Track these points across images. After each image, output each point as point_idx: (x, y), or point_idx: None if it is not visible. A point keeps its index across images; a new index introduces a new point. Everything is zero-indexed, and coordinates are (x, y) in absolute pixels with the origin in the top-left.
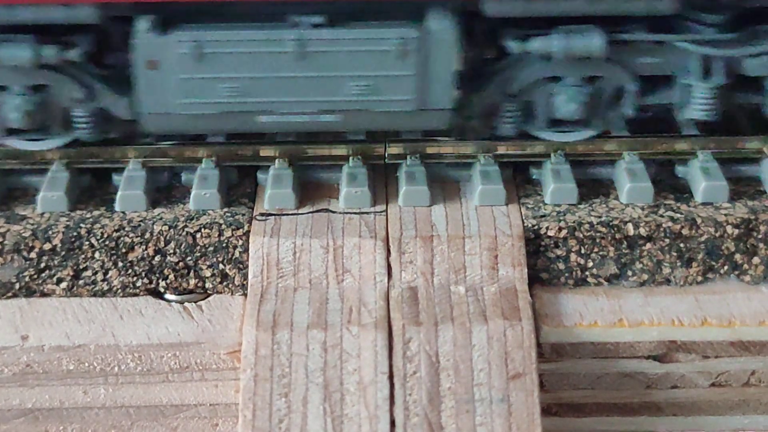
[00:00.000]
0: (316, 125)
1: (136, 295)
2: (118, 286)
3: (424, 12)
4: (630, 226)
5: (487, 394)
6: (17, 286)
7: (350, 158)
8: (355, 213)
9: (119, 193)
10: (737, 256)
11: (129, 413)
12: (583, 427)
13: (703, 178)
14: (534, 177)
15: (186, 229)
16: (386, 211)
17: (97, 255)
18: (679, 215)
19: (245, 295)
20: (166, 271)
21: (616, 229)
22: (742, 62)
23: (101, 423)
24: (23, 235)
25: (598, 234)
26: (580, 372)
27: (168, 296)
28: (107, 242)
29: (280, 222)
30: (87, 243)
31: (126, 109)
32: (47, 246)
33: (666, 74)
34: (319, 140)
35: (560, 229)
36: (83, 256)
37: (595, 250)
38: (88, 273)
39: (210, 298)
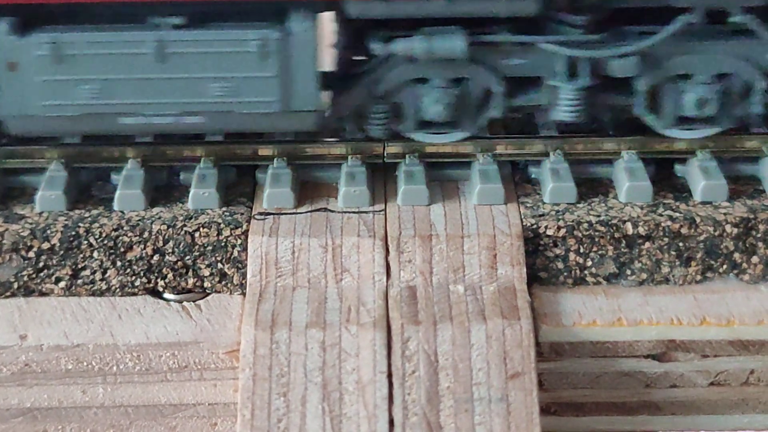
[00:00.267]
0: (180, 127)
1: (134, 294)
2: (117, 286)
3: (285, 13)
4: (629, 225)
5: (486, 394)
6: (16, 285)
7: (349, 157)
8: (353, 212)
9: (118, 192)
10: (736, 255)
11: (127, 413)
12: (582, 427)
13: (702, 177)
14: (533, 176)
15: (184, 229)
16: (385, 210)
17: (95, 254)
18: (678, 214)
19: (244, 294)
20: (164, 271)
21: (615, 228)
22: (607, 63)
23: (100, 422)
24: (22, 234)
25: (597, 233)
26: (579, 371)
27: (166, 295)
28: (106, 241)
29: (279, 221)
30: (85, 242)
31: None
32: (46, 245)
33: (533, 76)
34: (319, 139)
35: (559, 228)
36: (82, 255)
37: (594, 249)
38: (87, 272)
39: (208, 298)
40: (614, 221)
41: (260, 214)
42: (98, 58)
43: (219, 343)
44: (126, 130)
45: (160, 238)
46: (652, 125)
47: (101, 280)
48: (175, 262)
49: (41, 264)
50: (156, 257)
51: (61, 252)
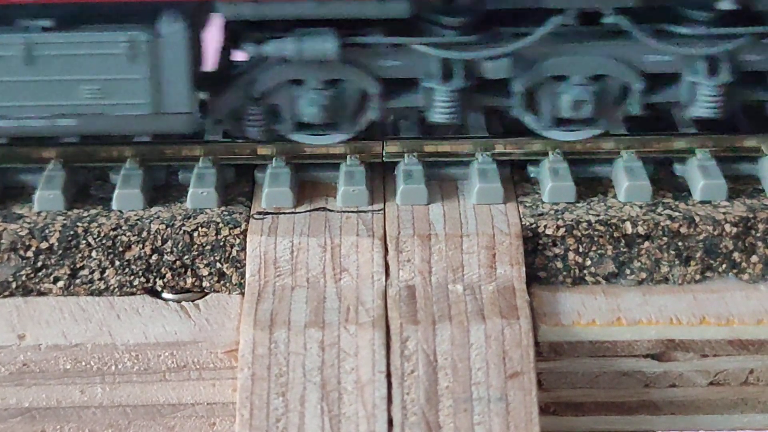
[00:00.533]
0: (53, 130)
1: (133, 294)
2: (115, 285)
3: (156, 15)
4: (628, 224)
5: (485, 393)
6: (14, 285)
7: (348, 157)
8: (352, 212)
9: (116, 191)
10: (735, 255)
11: (126, 412)
12: (582, 426)
13: (702, 177)
14: (532, 175)
15: (183, 228)
16: (384, 209)
17: (94, 254)
18: (677, 213)
19: (242, 294)
20: (163, 270)
21: (614, 227)
22: (480, 65)
23: (98, 422)
24: (20, 233)
25: (596, 232)
26: (578, 371)
27: (165, 295)
28: (104, 241)
29: (278, 221)
30: (84, 242)
31: None
32: (44, 245)
33: (409, 77)
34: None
35: (558, 227)
36: (80, 254)
37: (593, 248)
38: (85, 272)
39: (207, 297)
40: (613, 220)
41: (259, 213)
42: None
43: (217, 343)
44: None
45: (159, 237)
46: (532, 126)
47: (100, 279)
48: (174, 262)
49: (39, 263)
50: (154, 257)
51: (60, 251)
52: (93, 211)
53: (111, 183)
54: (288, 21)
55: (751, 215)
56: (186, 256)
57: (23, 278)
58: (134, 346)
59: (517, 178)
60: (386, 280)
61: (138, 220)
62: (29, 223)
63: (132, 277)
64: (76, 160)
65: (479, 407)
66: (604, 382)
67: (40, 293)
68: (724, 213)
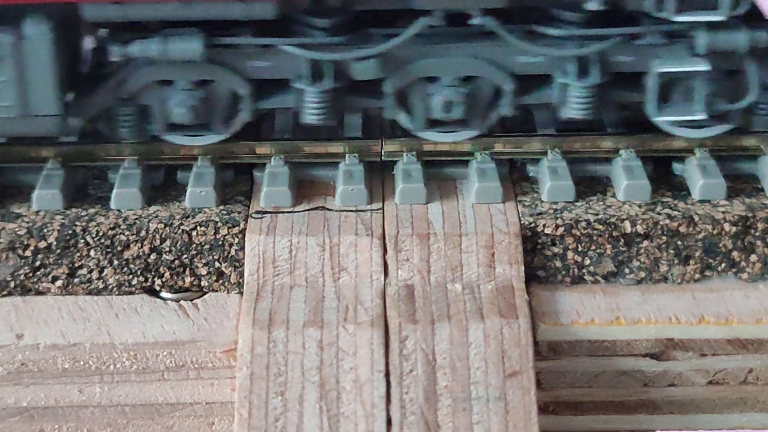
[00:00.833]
0: None
1: (131, 293)
2: (114, 285)
3: (21, 17)
4: (627, 223)
5: (484, 393)
6: (12, 284)
7: (346, 156)
8: (351, 211)
9: (115, 190)
10: (735, 254)
11: (125, 412)
12: (581, 426)
13: (701, 176)
14: (531, 174)
15: (182, 227)
16: (383, 208)
17: (92, 253)
18: (676, 213)
19: (241, 293)
20: (161, 269)
21: (613, 226)
22: (350, 66)
23: (97, 422)
24: (18, 233)
25: (595, 232)
26: (577, 370)
27: (164, 294)
28: (103, 240)
29: (276, 220)
30: (82, 241)
31: None
32: (42, 244)
33: (280, 78)
34: (316, 138)
35: (557, 226)
36: (78, 254)
37: (592, 247)
38: (84, 271)
39: (206, 297)
40: (612, 220)
41: (257, 212)
42: None
43: (216, 342)
44: None
45: (157, 236)
46: (407, 127)
47: (98, 279)
48: (172, 261)
49: (38, 263)
50: (153, 256)
51: (58, 251)
52: (91, 211)
53: (109, 182)
54: (161, 22)
55: (750, 214)
56: (185, 256)
57: (21, 277)
58: (133, 345)
59: (516, 177)
60: (385, 280)
61: (136, 219)
62: (28, 222)
63: (130, 277)
64: (75, 159)
65: (478, 406)
66: (603, 381)
67: (39, 292)
68: (723, 212)
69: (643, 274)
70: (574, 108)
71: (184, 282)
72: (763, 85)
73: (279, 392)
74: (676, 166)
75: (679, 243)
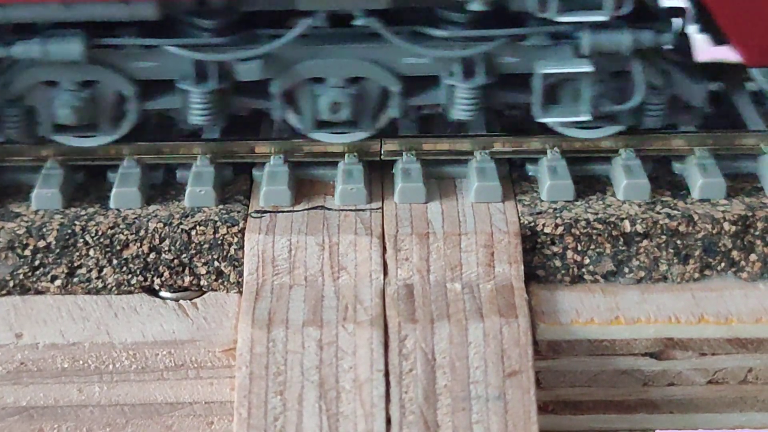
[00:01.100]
0: None
1: (130, 292)
2: (113, 284)
3: None
4: (627, 222)
5: (484, 392)
6: (11, 283)
7: (346, 155)
8: (350, 210)
9: (114, 190)
10: (734, 253)
11: (124, 411)
12: (580, 425)
13: (700, 175)
14: (530, 174)
15: (181, 227)
16: (382, 208)
17: (91, 252)
18: (676, 212)
19: (240, 292)
20: (160, 269)
21: (612, 225)
22: (234, 67)
23: (96, 421)
24: (17, 232)
25: (595, 231)
26: (577, 369)
27: (163, 294)
28: (102, 240)
29: (276, 219)
30: (81, 240)
31: None
32: (41, 243)
33: (165, 79)
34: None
35: (557, 226)
36: (78, 253)
37: (592, 247)
38: (83, 270)
39: (205, 296)
40: (612, 219)
41: (257, 212)
42: None
43: (215, 342)
44: None
45: (157, 236)
46: (297, 128)
47: (97, 278)
48: (172, 260)
49: (37, 262)
50: (152, 255)
51: (57, 250)
52: (91, 210)
53: (109, 181)
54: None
55: (749, 213)
56: (184, 255)
57: (21, 277)
58: (132, 344)
59: (515, 176)
60: (384, 279)
61: (136, 218)
62: (27, 221)
63: (130, 276)
64: (74, 158)
65: (477, 406)
66: (602, 380)
67: (38, 292)
68: (722, 211)
69: (642, 274)
70: (461, 109)
71: (183, 281)
72: (651, 86)
73: (278, 391)
74: (676, 166)
75: (678, 242)
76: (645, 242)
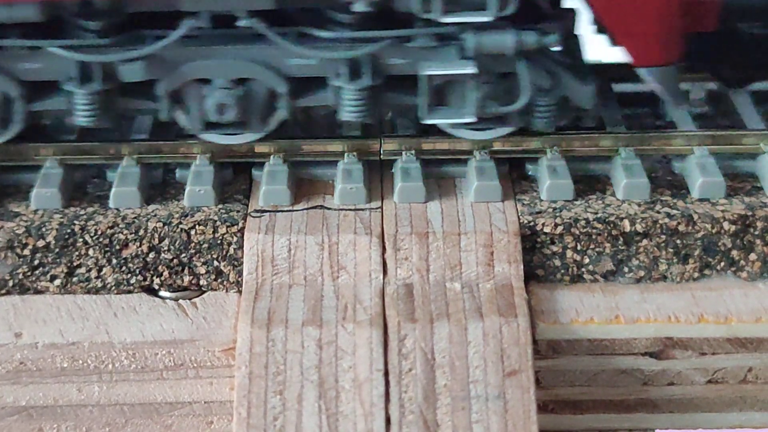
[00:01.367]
0: None
1: (130, 292)
2: (112, 283)
3: None
4: (626, 222)
5: (483, 392)
6: (11, 283)
7: (345, 154)
8: (350, 209)
9: (113, 189)
10: (734, 253)
11: (123, 411)
12: (580, 425)
13: (700, 174)
14: (530, 173)
15: (180, 226)
16: (381, 207)
17: (91, 252)
18: (675, 211)
19: (240, 292)
20: (160, 268)
21: (612, 225)
22: (117, 68)
23: (95, 421)
24: (17, 232)
25: (595, 230)
26: (577, 369)
27: (162, 293)
28: (101, 239)
29: (275, 219)
30: (81, 240)
31: None
32: (41, 243)
33: (51, 80)
34: (314, 137)
35: (556, 225)
36: (77, 253)
37: (592, 246)
38: (82, 270)
39: (204, 295)
40: (612, 218)
41: (256, 211)
42: None
43: (215, 341)
44: None
45: (156, 235)
46: (186, 128)
47: (97, 277)
48: (171, 260)
49: (36, 262)
50: (152, 255)
51: (57, 250)
52: (90, 209)
53: (108, 181)
54: None
55: (749, 213)
56: (183, 254)
57: (20, 276)
58: (131, 344)
59: (515, 176)
60: (384, 278)
61: (135, 218)
62: (26, 221)
63: (129, 276)
64: (73, 158)
65: (477, 405)
66: (602, 380)
67: (37, 291)
68: (722, 211)
69: (642, 273)
70: (348, 111)
71: (182, 281)
72: (538, 87)
73: (278, 391)
74: (676, 165)
75: (678, 242)
76: (645, 242)
